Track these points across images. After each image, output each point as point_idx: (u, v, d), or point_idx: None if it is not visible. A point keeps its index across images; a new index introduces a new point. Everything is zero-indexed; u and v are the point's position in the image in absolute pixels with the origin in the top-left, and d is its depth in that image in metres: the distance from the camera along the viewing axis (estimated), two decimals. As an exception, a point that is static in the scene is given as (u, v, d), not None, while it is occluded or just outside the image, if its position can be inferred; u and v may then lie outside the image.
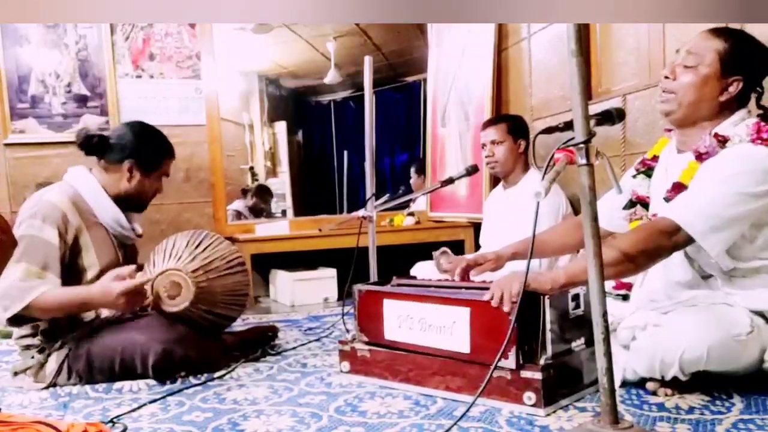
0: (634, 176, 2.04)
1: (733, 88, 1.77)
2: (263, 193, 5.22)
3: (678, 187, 1.79)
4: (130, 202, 2.39)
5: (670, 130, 1.98)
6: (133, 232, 2.41)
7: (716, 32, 1.80)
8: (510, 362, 1.67)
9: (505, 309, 1.69)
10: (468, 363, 1.78)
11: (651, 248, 1.66)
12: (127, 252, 2.42)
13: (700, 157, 1.76)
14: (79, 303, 2.16)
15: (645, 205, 1.97)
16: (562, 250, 2.28)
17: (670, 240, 1.66)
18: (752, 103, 1.85)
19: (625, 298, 1.95)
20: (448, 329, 1.83)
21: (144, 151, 2.36)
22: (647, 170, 2.01)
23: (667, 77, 1.82)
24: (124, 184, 2.34)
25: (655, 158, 2.02)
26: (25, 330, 2.25)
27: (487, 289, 1.78)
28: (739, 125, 1.76)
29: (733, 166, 1.68)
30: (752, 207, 1.66)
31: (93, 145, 2.33)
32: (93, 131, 2.37)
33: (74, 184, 2.30)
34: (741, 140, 1.72)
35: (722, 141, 1.74)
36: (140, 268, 2.47)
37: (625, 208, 2.02)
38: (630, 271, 1.71)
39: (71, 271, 2.21)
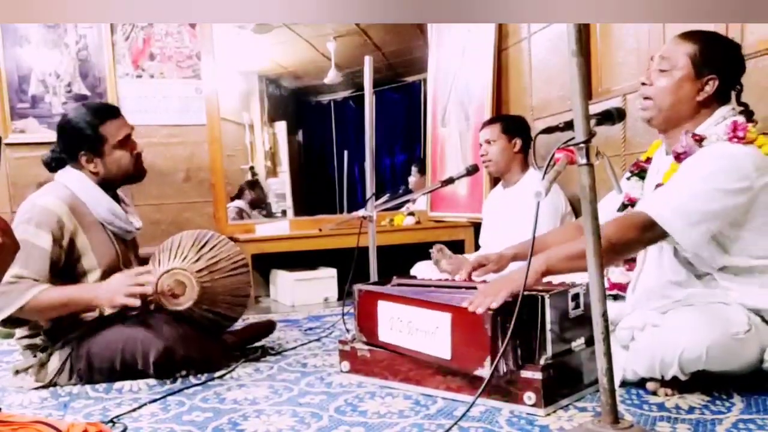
0: (628, 178, 2.05)
1: (710, 87, 1.80)
2: (255, 186, 5.22)
3: (659, 188, 1.80)
4: (121, 180, 2.35)
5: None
6: (131, 225, 2.39)
7: (686, 36, 1.84)
8: (485, 371, 1.65)
9: (479, 312, 1.66)
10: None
11: (628, 239, 1.69)
12: (127, 248, 2.41)
13: (679, 157, 1.79)
14: (82, 302, 2.15)
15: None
16: None
17: (644, 234, 1.69)
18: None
19: (616, 298, 1.95)
20: (431, 334, 1.81)
21: (81, 136, 2.27)
22: (640, 172, 2.04)
23: (644, 83, 1.86)
24: (94, 176, 2.30)
25: (648, 160, 2.03)
26: (27, 330, 2.25)
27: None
28: (719, 124, 1.78)
29: (709, 164, 1.70)
30: (727, 204, 1.67)
31: (52, 162, 2.32)
32: (45, 155, 2.34)
33: (68, 184, 2.28)
34: (718, 138, 1.75)
35: (699, 140, 1.76)
36: (142, 262, 2.47)
37: (618, 210, 2.03)
38: (611, 260, 1.75)
39: (72, 276, 2.21)
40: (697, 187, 1.68)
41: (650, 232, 1.68)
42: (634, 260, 1.94)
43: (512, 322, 1.61)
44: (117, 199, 2.40)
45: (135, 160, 2.34)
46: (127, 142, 2.32)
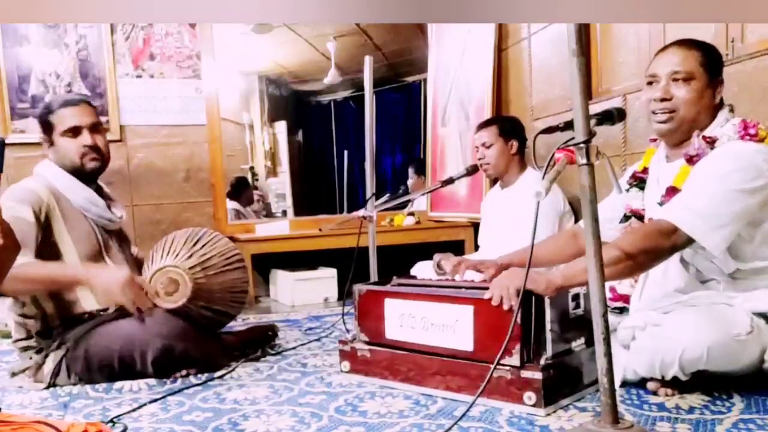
0: (627, 190, 2.04)
1: (720, 90, 1.83)
2: (244, 184, 5.18)
3: (672, 191, 1.81)
4: (74, 172, 2.29)
5: (655, 140, 1.98)
6: (112, 214, 2.36)
7: (688, 45, 1.84)
8: (514, 359, 1.67)
9: (505, 307, 1.70)
10: (470, 362, 1.78)
11: (651, 248, 1.67)
12: (113, 239, 2.39)
13: (691, 159, 1.79)
14: (68, 281, 2.14)
15: (640, 217, 1.98)
16: (554, 262, 2.26)
17: (669, 240, 1.67)
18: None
19: (622, 311, 1.94)
20: (450, 327, 1.82)
21: (40, 122, 2.33)
22: (639, 183, 2.03)
23: (664, 99, 1.82)
24: (51, 157, 2.31)
25: (645, 170, 2.03)
26: (21, 333, 2.25)
27: (487, 288, 1.78)
28: (725, 125, 1.79)
29: (725, 165, 1.70)
30: (748, 203, 1.67)
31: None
32: None
33: (44, 173, 2.29)
34: (729, 139, 1.75)
35: (711, 142, 1.77)
36: (137, 261, 2.47)
37: (621, 221, 2.03)
38: (631, 271, 1.72)
39: (48, 257, 2.18)
40: (715, 189, 1.68)
41: (673, 239, 1.67)
42: None
43: (515, 319, 1.61)
44: (100, 191, 2.39)
45: (83, 155, 2.28)
46: (76, 133, 2.27)
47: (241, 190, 5.04)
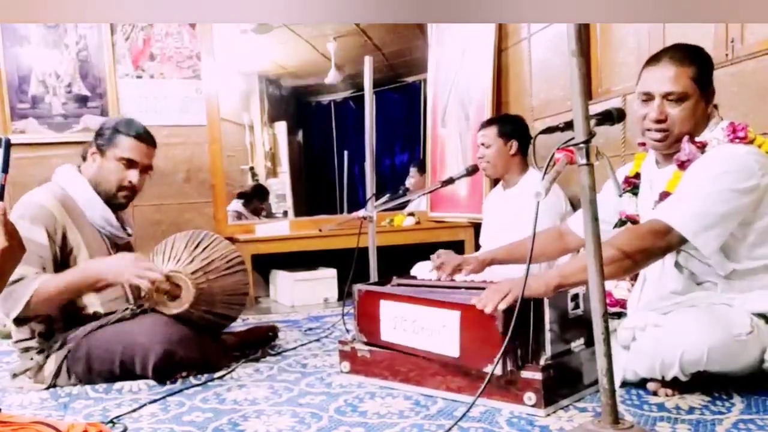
0: (621, 195, 2.03)
1: (712, 98, 1.83)
2: (260, 193, 5.21)
3: (665, 197, 1.82)
4: (102, 194, 2.31)
5: (643, 144, 1.98)
6: (123, 231, 2.39)
7: (681, 59, 1.80)
8: (497, 369, 1.64)
9: (487, 311, 1.67)
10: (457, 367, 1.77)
11: (646, 246, 1.68)
12: (119, 250, 2.40)
13: (683, 165, 1.80)
14: (88, 281, 2.13)
15: (635, 223, 1.97)
16: (538, 260, 2.35)
17: (663, 240, 1.69)
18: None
19: (620, 316, 1.94)
20: (438, 332, 1.81)
21: (102, 131, 2.32)
22: (633, 189, 2.03)
23: (659, 120, 1.81)
24: (87, 170, 2.32)
25: (637, 176, 2.03)
26: (23, 334, 2.24)
27: (482, 289, 1.78)
28: (714, 130, 1.81)
29: (717, 166, 1.71)
30: (740, 203, 1.68)
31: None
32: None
33: (62, 184, 2.29)
34: (719, 142, 1.77)
35: (701, 146, 1.78)
36: None
37: (615, 226, 2.03)
38: (625, 270, 1.72)
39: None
40: (707, 190, 1.69)
41: (667, 239, 1.68)
42: (638, 274, 1.94)
43: (512, 323, 1.61)
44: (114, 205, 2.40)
45: (122, 188, 2.32)
46: (129, 165, 2.31)
47: (254, 199, 5.04)
